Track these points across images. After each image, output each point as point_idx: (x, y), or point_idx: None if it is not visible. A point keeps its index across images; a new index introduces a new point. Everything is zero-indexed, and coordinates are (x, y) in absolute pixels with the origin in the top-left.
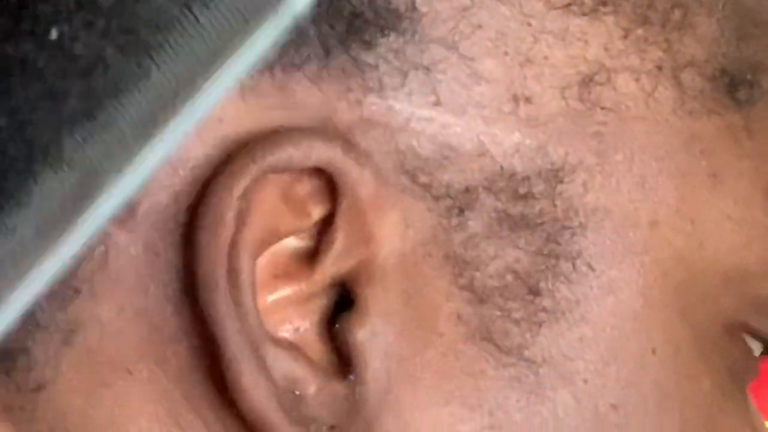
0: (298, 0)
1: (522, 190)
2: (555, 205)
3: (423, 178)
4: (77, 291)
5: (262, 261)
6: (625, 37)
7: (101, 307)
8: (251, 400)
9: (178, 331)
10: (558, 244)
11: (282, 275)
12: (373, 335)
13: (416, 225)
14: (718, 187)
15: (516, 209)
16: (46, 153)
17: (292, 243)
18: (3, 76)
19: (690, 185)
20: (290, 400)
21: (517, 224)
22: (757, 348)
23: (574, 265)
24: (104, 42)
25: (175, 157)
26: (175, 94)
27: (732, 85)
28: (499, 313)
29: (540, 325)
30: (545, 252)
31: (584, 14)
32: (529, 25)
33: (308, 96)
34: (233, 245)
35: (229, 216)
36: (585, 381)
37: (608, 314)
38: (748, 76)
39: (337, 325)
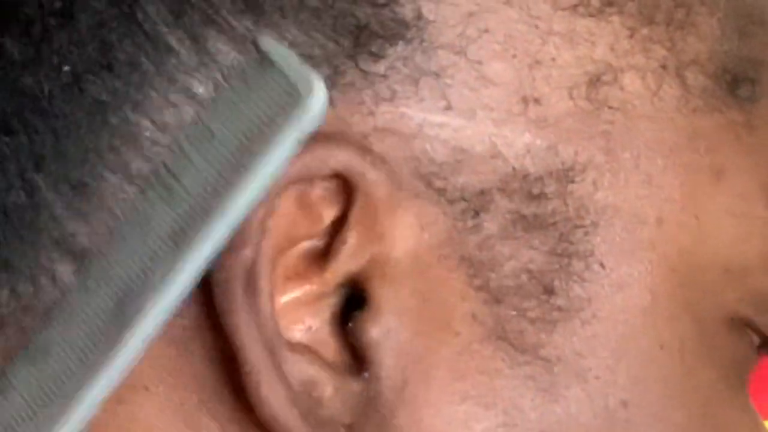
0: (312, 109)
1: (535, 191)
2: (567, 205)
3: (438, 183)
4: None
5: (277, 265)
6: (631, 36)
7: None
8: (270, 406)
9: (196, 342)
10: (571, 243)
11: (294, 276)
12: (386, 333)
13: (431, 228)
14: (721, 184)
15: (529, 210)
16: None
17: (305, 244)
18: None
19: (694, 182)
20: (307, 403)
21: (530, 225)
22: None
23: (586, 263)
24: None
25: None
26: (200, 207)
27: (734, 83)
28: (514, 312)
29: (554, 323)
30: (558, 251)
31: (591, 15)
32: (537, 27)
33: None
34: (253, 255)
35: (251, 227)
36: (597, 378)
37: (618, 311)
38: (750, 74)
39: (350, 324)
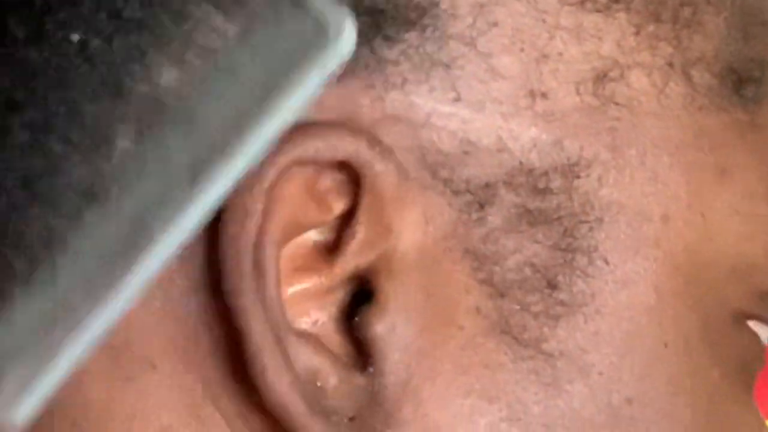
0: (340, 45)
1: (540, 185)
2: (572, 200)
3: (444, 173)
4: None
5: (285, 254)
6: (637, 33)
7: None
8: (275, 391)
9: (201, 324)
10: (575, 238)
11: (302, 268)
12: (392, 328)
13: (436, 220)
14: (726, 182)
15: (534, 204)
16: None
17: (313, 236)
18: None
19: (700, 180)
20: (312, 391)
21: (535, 219)
22: (764, 335)
23: (590, 259)
24: None
25: None
26: (220, 137)
27: (739, 83)
28: (518, 306)
29: (557, 318)
30: (563, 246)
31: (598, 11)
32: (544, 21)
33: (331, 91)
34: (259, 237)
35: (256, 208)
36: (600, 374)
37: (623, 308)
38: (755, 74)
39: (356, 318)
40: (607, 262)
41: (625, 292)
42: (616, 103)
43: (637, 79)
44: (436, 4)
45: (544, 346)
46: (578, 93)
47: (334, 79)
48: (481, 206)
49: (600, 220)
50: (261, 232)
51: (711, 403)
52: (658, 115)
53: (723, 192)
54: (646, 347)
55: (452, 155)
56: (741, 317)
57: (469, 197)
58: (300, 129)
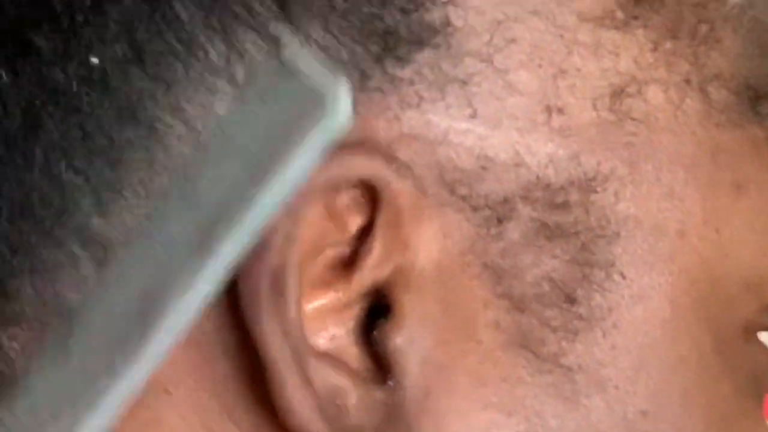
0: (337, 115)
1: (558, 200)
2: (589, 215)
3: (462, 190)
4: None
5: (304, 273)
6: (655, 50)
7: None
8: (296, 413)
9: (218, 348)
10: (592, 253)
11: (319, 284)
12: (410, 341)
13: (454, 235)
14: (741, 198)
15: (552, 219)
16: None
17: (329, 253)
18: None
19: (715, 195)
20: (332, 411)
21: (553, 233)
22: None
23: (607, 273)
24: None
25: None
26: (228, 205)
27: (755, 99)
28: (536, 321)
29: (576, 333)
30: (580, 261)
31: (616, 27)
32: (562, 37)
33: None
34: (281, 262)
35: (278, 234)
36: (617, 388)
37: (639, 322)
38: None
39: (375, 332)
40: (623, 277)
41: (640, 306)
42: (633, 119)
43: (654, 95)
44: (449, 23)
45: (563, 360)
46: (595, 108)
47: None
48: (500, 221)
49: (617, 235)
50: (282, 257)
51: (723, 417)
52: (674, 131)
53: (738, 208)
54: (661, 361)
55: (470, 171)
56: (753, 332)
57: (487, 212)
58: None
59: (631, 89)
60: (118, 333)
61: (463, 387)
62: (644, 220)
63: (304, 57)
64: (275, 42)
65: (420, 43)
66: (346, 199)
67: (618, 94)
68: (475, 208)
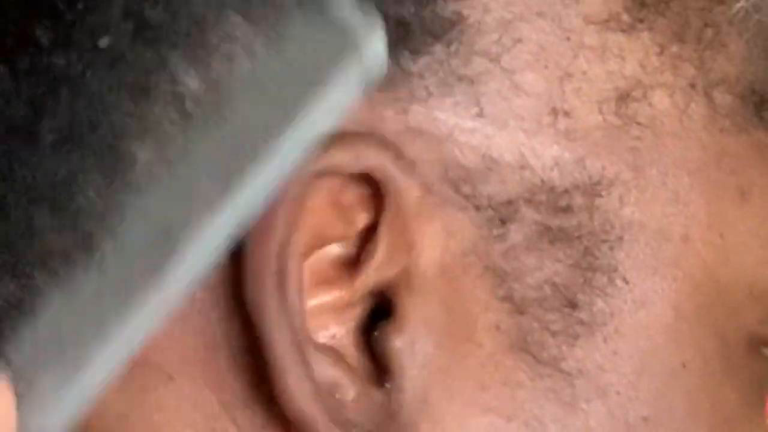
0: (370, 55)
1: (561, 203)
2: (593, 219)
3: (466, 189)
4: None
5: (307, 266)
6: (661, 53)
7: None
8: (296, 401)
9: (222, 336)
10: (595, 257)
11: (323, 282)
12: (411, 344)
13: (457, 235)
14: (746, 204)
15: (555, 222)
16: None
17: (335, 250)
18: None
19: (720, 201)
20: (332, 403)
21: (556, 237)
22: None
23: (610, 278)
24: None
25: None
26: (250, 146)
27: (761, 104)
28: (537, 324)
29: (576, 337)
30: (583, 265)
31: (622, 30)
32: (569, 39)
33: (356, 103)
34: (283, 247)
35: (282, 220)
36: (618, 393)
37: (641, 327)
38: None
39: (375, 333)
40: (626, 282)
41: (643, 311)
42: (638, 123)
43: (660, 99)
44: (464, 19)
45: (563, 365)
46: (601, 112)
47: (369, 91)
48: (503, 222)
49: (620, 240)
50: (285, 242)
51: (727, 423)
52: (679, 135)
53: (743, 214)
54: (663, 366)
55: (474, 171)
56: (756, 340)
57: (490, 213)
58: (325, 139)
59: (637, 93)
60: (135, 270)
61: (462, 391)
62: (648, 224)
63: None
64: None
65: (432, 38)
66: (352, 194)
67: (624, 98)
68: (478, 208)
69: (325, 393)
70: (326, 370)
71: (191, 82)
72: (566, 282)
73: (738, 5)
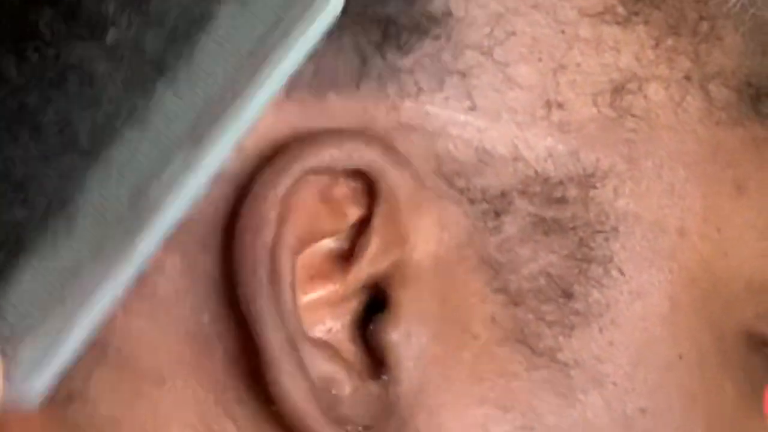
0: (332, 5)
1: (556, 195)
2: (587, 210)
3: (459, 182)
4: None
5: (300, 262)
6: (656, 46)
7: (136, 321)
8: (291, 398)
9: (213, 337)
10: (590, 248)
11: (317, 276)
12: (406, 336)
13: (452, 228)
14: (742, 197)
15: (549, 213)
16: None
17: (327, 244)
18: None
19: (716, 194)
20: (327, 399)
21: (550, 228)
22: None
23: (605, 269)
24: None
25: None
26: (219, 99)
27: (757, 97)
28: (532, 315)
29: (572, 328)
30: (578, 256)
31: (617, 23)
32: (563, 32)
33: (345, 102)
34: (275, 244)
35: (272, 215)
36: (614, 384)
37: (637, 319)
38: None
39: (371, 326)
40: (622, 273)
41: (639, 302)
42: (633, 116)
43: (655, 92)
44: (450, 14)
45: (559, 356)
46: (595, 104)
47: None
48: (497, 215)
49: (615, 231)
50: (276, 239)
51: (725, 417)
52: (675, 128)
53: (739, 207)
54: (660, 358)
55: (468, 164)
56: (753, 333)
57: (484, 206)
58: (314, 137)
59: (632, 86)
60: (109, 228)
61: (458, 382)
62: (644, 216)
63: None
64: None
65: (421, 33)
66: (344, 189)
67: (618, 90)
68: (472, 201)
69: (321, 390)
70: (322, 365)
71: (155, 40)
72: (561, 273)
73: None
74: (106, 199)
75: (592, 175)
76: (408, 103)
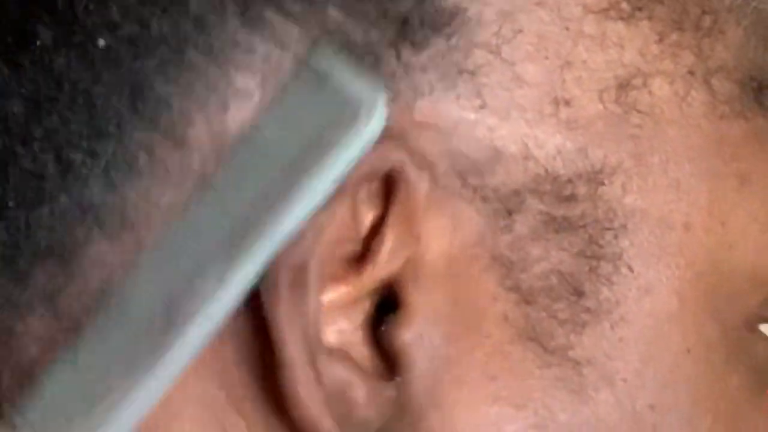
0: (371, 125)
1: (565, 193)
2: (596, 207)
3: (473, 181)
4: None
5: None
6: (660, 41)
7: None
8: (306, 407)
9: (228, 334)
10: (600, 246)
11: (329, 279)
12: (419, 336)
13: (464, 228)
14: (746, 190)
15: (560, 211)
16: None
17: (345, 246)
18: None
19: (721, 188)
20: (341, 407)
21: (561, 226)
22: None
23: (615, 266)
24: None
25: None
26: (256, 212)
27: (759, 91)
28: (544, 313)
29: (583, 325)
30: (588, 254)
31: (621, 19)
32: (568, 29)
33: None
34: (306, 256)
35: (306, 232)
36: (624, 381)
37: (646, 315)
38: None
39: (383, 327)
40: (631, 270)
41: (648, 299)
42: (639, 111)
43: (660, 87)
44: (461, 13)
45: (571, 354)
46: (601, 101)
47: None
48: (509, 213)
49: (624, 228)
50: (308, 253)
51: (732, 410)
52: (679, 123)
53: (743, 200)
54: (668, 354)
55: (481, 162)
56: (757, 324)
57: (496, 205)
58: None
59: (637, 81)
60: (140, 337)
61: (471, 381)
62: (651, 212)
63: (339, 63)
64: (303, 49)
65: (433, 31)
66: (365, 191)
67: (624, 86)
68: (485, 200)
69: (335, 398)
70: (336, 372)
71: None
72: (572, 271)
73: None
74: (134, 314)
75: (600, 171)
76: (421, 102)
